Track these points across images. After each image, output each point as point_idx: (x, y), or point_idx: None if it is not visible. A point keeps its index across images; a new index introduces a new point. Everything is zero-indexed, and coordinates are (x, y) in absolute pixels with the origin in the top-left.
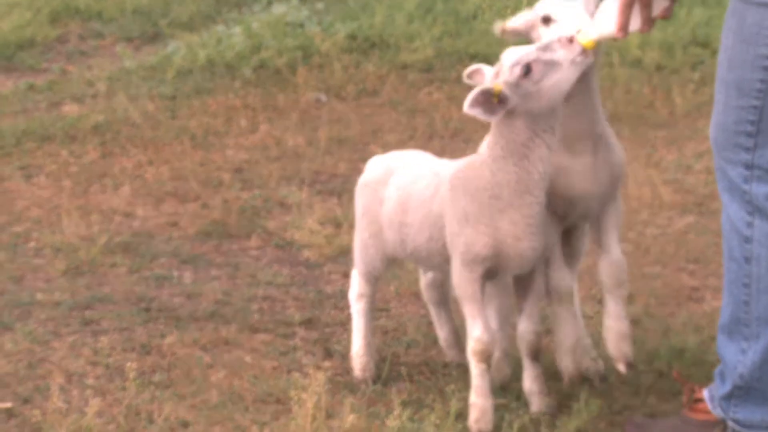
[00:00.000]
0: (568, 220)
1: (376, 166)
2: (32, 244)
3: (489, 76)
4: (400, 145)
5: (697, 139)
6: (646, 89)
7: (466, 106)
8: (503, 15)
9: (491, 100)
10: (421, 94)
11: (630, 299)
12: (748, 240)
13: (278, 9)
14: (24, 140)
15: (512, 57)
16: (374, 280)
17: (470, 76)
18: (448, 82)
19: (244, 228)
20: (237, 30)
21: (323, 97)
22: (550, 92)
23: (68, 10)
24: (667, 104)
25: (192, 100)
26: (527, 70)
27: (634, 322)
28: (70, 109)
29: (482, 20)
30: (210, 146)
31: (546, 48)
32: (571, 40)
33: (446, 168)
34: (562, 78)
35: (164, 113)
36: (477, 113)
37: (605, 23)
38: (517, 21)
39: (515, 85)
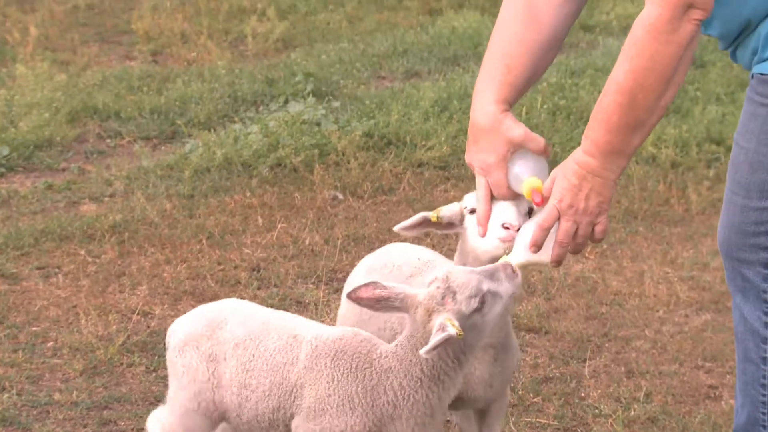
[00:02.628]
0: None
1: (192, 321)
2: (50, 343)
3: (423, 297)
4: (416, 242)
5: (713, 235)
6: (661, 186)
7: (425, 352)
8: (518, 113)
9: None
10: (437, 191)
11: (647, 397)
12: (765, 340)
13: (294, 108)
14: (42, 240)
15: (466, 284)
16: None
17: (358, 295)
18: (464, 180)
19: None
20: (254, 129)
21: (340, 195)
22: (490, 325)
23: (86, 109)
24: (683, 201)
25: (209, 199)
26: (482, 303)
27: (652, 420)
28: (88, 208)
29: None
30: (227, 245)
31: (492, 276)
32: (515, 271)
33: (309, 332)
34: (499, 311)
35: (181, 212)
36: (432, 355)
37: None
38: (447, 211)
39: (466, 317)
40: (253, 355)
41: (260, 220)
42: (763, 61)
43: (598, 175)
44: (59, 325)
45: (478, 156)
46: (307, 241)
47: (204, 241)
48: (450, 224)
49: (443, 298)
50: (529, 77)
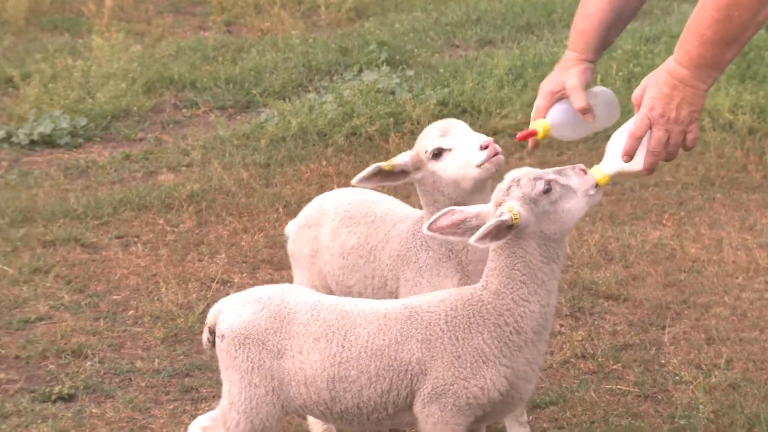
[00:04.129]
0: None
1: (251, 313)
2: (131, 312)
3: (496, 194)
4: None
5: None
6: (738, 153)
7: (475, 240)
8: (593, 80)
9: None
10: (512, 159)
11: (728, 364)
12: None
13: (369, 76)
14: (121, 209)
15: (530, 172)
16: None
17: (438, 225)
18: (539, 147)
19: None
20: (329, 98)
21: None
22: (563, 217)
23: (162, 80)
24: (760, 168)
25: (285, 168)
26: (548, 187)
27: (733, 387)
28: (166, 177)
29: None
30: None
31: (560, 172)
32: (584, 171)
33: (399, 308)
34: (575, 206)
35: (258, 181)
36: (485, 244)
37: (618, 159)
38: (400, 160)
39: (534, 201)
40: (343, 347)
41: (336, 189)
42: None
43: (689, 85)
44: (140, 294)
45: (544, 81)
46: None
47: (281, 209)
48: (403, 172)
49: (508, 188)
50: (609, 21)
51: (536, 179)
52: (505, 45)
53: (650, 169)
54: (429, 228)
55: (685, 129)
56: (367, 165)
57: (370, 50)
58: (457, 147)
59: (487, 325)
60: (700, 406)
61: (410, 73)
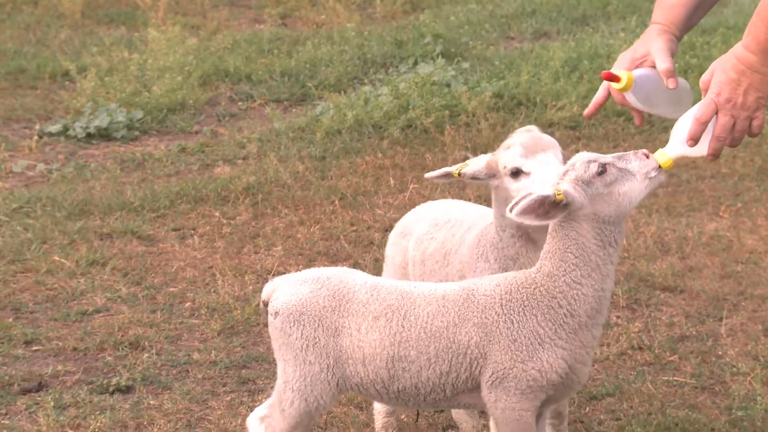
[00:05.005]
0: None
1: (309, 291)
2: (188, 304)
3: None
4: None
5: None
6: None
7: (515, 213)
8: None
9: (546, 205)
10: (567, 151)
11: None
12: None
13: (424, 69)
14: (177, 202)
15: (588, 156)
16: (305, 425)
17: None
18: (594, 139)
19: None
20: (384, 90)
21: (471, 156)
22: (619, 200)
23: (218, 73)
24: None
25: (341, 160)
26: (602, 169)
27: None
28: (222, 170)
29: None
30: (359, 206)
31: (621, 157)
32: (646, 156)
33: (457, 291)
34: (634, 189)
35: (314, 174)
36: (529, 219)
37: (683, 144)
38: (470, 169)
39: (587, 183)
40: (403, 326)
41: (392, 181)
42: None
43: (757, 71)
44: (196, 286)
45: (624, 52)
46: None
47: (336, 202)
48: (474, 178)
49: (565, 172)
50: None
51: (590, 162)
52: (561, 37)
53: (715, 155)
54: (510, 210)
55: (751, 115)
56: (423, 157)
57: (425, 43)
58: (535, 173)
59: (541, 307)
60: (758, 398)
61: (465, 65)
